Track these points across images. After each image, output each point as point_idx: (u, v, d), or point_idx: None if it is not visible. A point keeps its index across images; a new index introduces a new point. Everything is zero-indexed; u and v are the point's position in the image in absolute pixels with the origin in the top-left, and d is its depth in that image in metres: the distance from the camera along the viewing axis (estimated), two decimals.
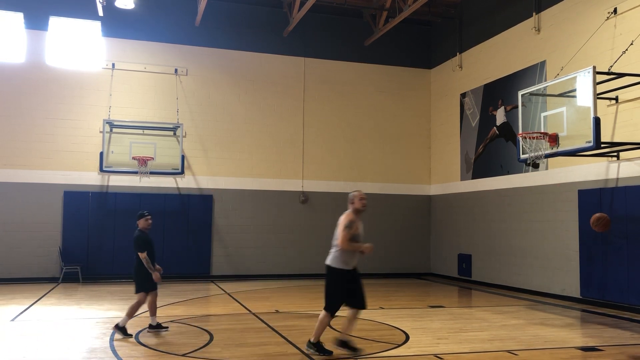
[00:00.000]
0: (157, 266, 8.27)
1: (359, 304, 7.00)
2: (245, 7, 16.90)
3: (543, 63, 13.32)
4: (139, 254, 8.14)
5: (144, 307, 8.41)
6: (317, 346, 6.94)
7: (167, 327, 8.48)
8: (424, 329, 8.85)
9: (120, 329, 7.96)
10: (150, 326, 8.34)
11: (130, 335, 7.95)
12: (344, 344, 7.00)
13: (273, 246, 16.61)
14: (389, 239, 17.49)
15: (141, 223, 8.35)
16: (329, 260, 6.98)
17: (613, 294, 11.09)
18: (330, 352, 6.91)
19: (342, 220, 6.94)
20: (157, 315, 8.51)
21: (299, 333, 8.38)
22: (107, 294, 12.58)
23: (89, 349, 7.32)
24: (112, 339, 7.81)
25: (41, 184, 14.95)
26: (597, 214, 9.32)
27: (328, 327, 7.55)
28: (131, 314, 8.08)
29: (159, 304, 11.27)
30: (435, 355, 7.04)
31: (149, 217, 8.44)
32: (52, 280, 14.69)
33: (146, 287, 8.24)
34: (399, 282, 15.97)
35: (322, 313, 6.92)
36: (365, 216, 17.45)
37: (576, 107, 10.51)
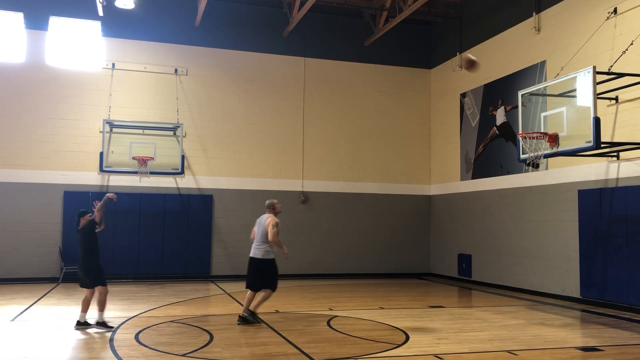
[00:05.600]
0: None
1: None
2: (245, 7, 16.90)
3: (543, 63, 13.33)
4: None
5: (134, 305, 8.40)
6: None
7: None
8: (424, 329, 8.85)
9: (100, 323, 8.38)
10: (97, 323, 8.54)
11: (111, 328, 8.37)
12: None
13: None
14: (389, 239, 17.51)
15: (86, 220, 8.64)
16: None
17: (613, 294, 11.09)
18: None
19: (270, 221, 8.88)
20: (154, 315, 8.50)
21: (299, 333, 8.38)
22: None
23: (89, 349, 7.33)
24: (112, 339, 7.80)
25: (41, 184, 14.95)
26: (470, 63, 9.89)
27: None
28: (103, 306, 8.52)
29: (160, 303, 11.36)
30: (435, 355, 7.03)
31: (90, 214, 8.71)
32: (52, 280, 14.69)
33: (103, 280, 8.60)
34: (399, 282, 15.97)
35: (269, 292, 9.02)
36: (365, 216, 17.56)
37: (576, 107, 10.50)
